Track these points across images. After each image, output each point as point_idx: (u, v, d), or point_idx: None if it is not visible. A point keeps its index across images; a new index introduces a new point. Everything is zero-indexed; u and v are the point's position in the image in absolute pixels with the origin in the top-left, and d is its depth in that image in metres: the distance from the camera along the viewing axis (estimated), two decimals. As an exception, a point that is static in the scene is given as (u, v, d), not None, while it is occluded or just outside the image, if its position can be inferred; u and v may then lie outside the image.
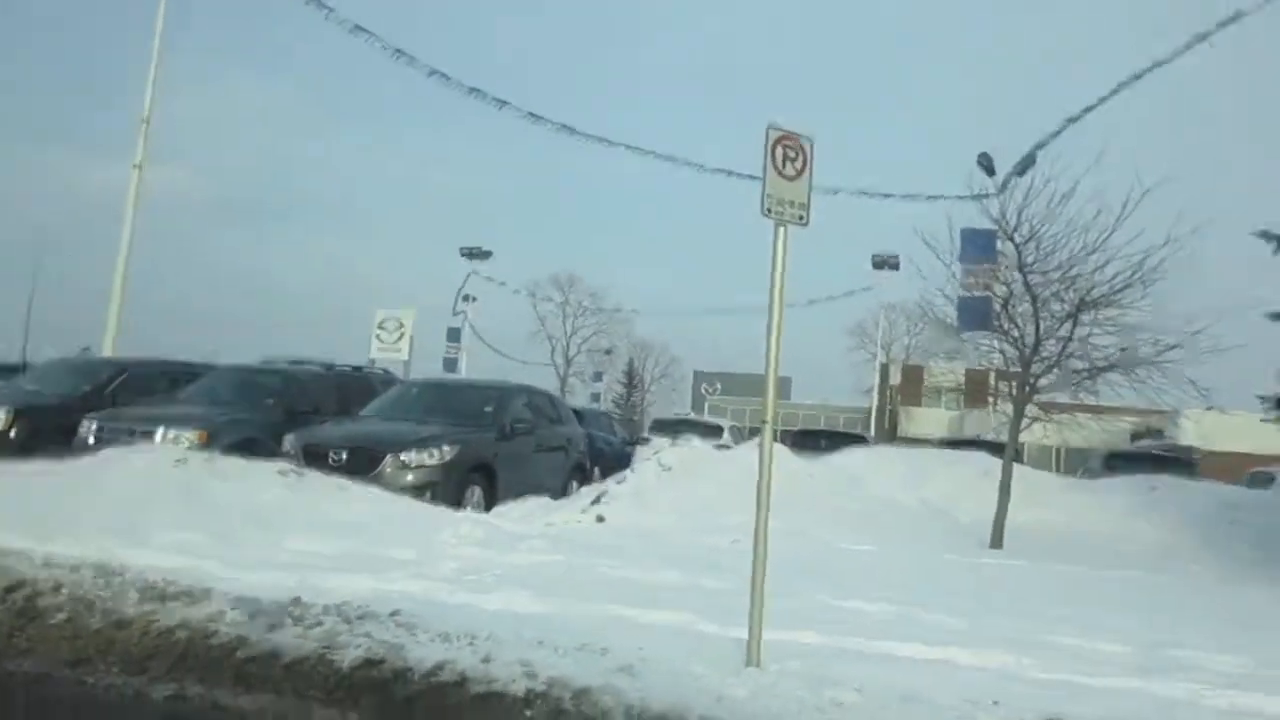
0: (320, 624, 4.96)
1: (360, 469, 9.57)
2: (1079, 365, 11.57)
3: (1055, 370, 11.66)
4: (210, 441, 10.21)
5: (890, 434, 41.33)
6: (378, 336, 35.00)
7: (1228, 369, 11.00)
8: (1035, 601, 7.35)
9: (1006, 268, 11.88)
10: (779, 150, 5.02)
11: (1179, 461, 20.55)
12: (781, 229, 4.99)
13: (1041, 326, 11.57)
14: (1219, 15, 11.84)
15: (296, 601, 5.26)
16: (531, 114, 18.04)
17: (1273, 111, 71.59)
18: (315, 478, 8.69)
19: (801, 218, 5.06)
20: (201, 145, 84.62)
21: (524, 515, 9.79)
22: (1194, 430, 28.71)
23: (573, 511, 10.22)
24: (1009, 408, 12.21)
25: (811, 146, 5.12)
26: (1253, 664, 5.53)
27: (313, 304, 77.98)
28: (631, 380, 66.01)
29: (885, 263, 31.80)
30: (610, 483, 11.43)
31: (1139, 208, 10.68)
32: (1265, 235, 10.15)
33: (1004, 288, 11.92)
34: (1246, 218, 10.81)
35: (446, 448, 10.03)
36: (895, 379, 46.19)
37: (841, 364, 60.96)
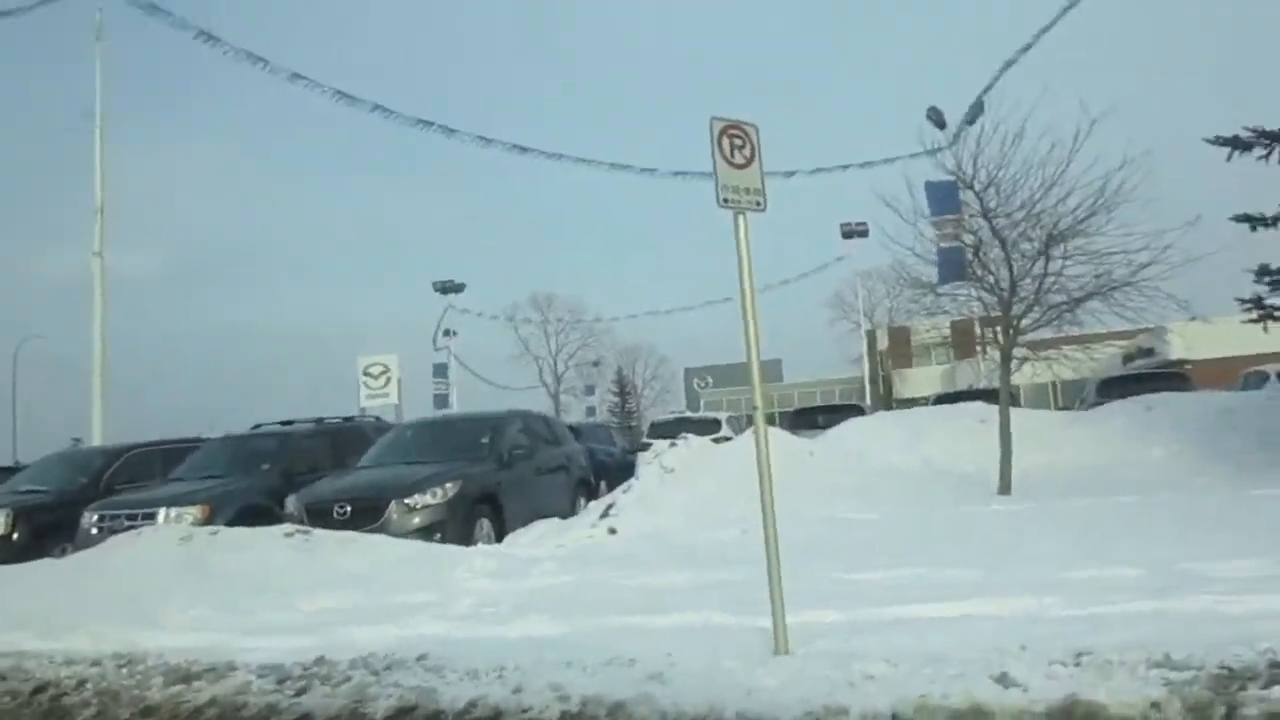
0: (348, 679, 4.97)
1: (366, 520, 9.55)
2: (1058, 299, 11.65)
3: (1035, 308, 11.74)
4: (213, 515, 10.19)
5: (886, 398, 41.52)
6: (365, 384, 34.98)
7: (1203, 278, 11.11)
8: (1049, 541, 7.40)
9: (971, 216, 11.97)
10: (725, 141, 5.06)
11: (1172, 376, 20.72)
12: (740, 217, 5.02)
13: (1015, 268, 11.66)
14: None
15: (321, 660, 5.26)
16: (482, 137, 18.00)
17: (1213, 17, 72.12)
18: (322, 535, 8.68)
19: (758, 203, 5.11)
20: (160, 218, 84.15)
21: (535, 540, 9.80)
22: (1180, 343, 28.93)
23: (583, 528, 10.23)
24: (998, 354, 12.28)
25: (757, 133, 5.17)
26: (1266, 564, 5.60)
27: (299, 361, 77.81)
28: (623, 388, 65.99)
29: (854, 231, 31.99)
30: (617, 493, 11.43)
31: (1091, 136, 10.81)
32: (1218, 140, 10.25)
33: (972, 236, 12.01)
34: (1200, 125, 10.93)
35: (449, 485, 10.02)
36: (883, 343, 46.35)
37: (827, 337, 61.11)
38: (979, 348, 21.54)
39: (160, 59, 79.03)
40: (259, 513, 10.34)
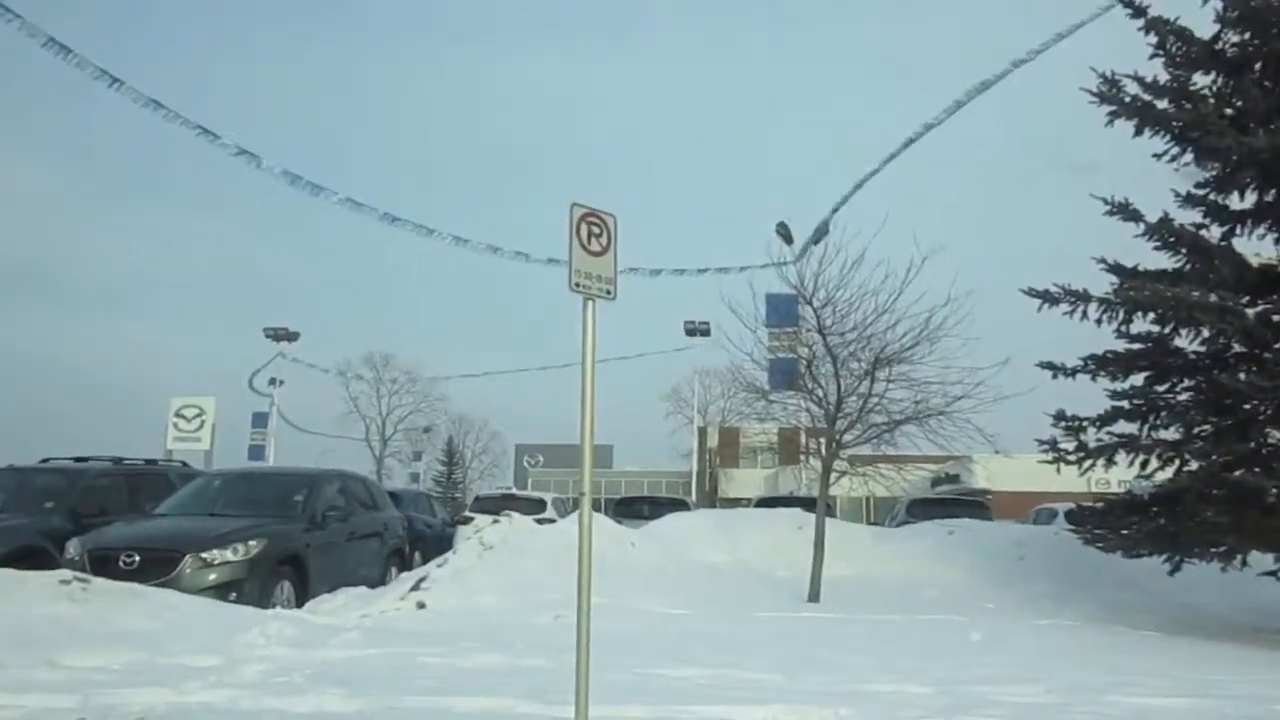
0: (107, 748, 4.54)
1: (156, 572, 8.87)
2: (878, 419, 12.25)
3: (858, 425, 12.29)
4: (-23, 554, 9.22)
5: (711, 496, 42.20)
6: (175, 425, 32.98)
7: (1009, 415, 11.99)
8: (850, 652, 7.62)
9: (808, 331, 12.53)
10: (583, 227, 5.12)
11: (974, 504, 21.96)
12: (590, 303, 5.06)
13: (842, 384, 12.21)
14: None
15: (79, 725, 4.80)
16: (350, 200, 17.58)
17: (1031, 175, 79.29)
18: (103, 586, 8.00)
19: (609, 292, 5.15)
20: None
21: (339, 608, 9.35)
22: (983, 473, 30.88)
23: (391, 600, 9.83)
24: (819, 464, 12.74)
25: (615, 222, 5.25)
26: (1041, 691, 5.95)
27: (111, 397, 72.25)
28: (452, 458, 64.45)
29: (696, 329, 32.84)
30: (431, 566, 11.07)
31: (922, 271, 11.60)
32: (1030, 292, 11.14)
33: (806, 350, 12.56)
34: (1016, 275, 11.87)
35: (252, 542, 9.44)
36: (713, 441, 47.34)
37: (661, 429, 61.70)
38: (803, 456, 22.32)
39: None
40: (34, 555, 9.45)
